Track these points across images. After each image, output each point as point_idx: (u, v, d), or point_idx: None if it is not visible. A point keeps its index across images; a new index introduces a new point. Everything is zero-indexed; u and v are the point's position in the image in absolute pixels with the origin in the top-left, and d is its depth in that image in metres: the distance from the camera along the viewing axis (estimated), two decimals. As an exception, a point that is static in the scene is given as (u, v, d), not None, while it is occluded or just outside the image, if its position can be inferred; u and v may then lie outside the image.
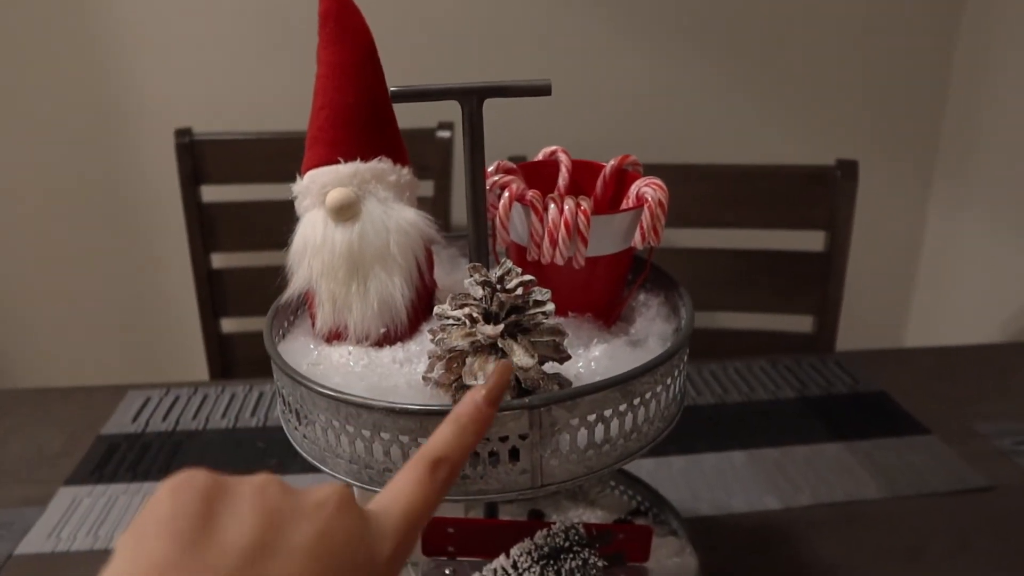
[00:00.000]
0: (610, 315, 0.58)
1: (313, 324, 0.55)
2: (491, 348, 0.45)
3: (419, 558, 0.64)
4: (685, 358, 0.52)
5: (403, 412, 0.43)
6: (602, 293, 0.58)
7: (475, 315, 0.45)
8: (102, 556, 0.80)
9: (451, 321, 0.46)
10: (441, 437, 0.35)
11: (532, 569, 0.55)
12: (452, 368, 0.45)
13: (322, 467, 0.48)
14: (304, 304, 0.58)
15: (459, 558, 0.63)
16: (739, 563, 0.77)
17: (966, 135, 1.58)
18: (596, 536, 0.57)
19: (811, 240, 1.26)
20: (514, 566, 0.56)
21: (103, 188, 1.63)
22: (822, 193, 1.22)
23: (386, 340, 0.53)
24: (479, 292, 0.45)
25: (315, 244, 0.53)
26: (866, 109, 1.62)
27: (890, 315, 1.75)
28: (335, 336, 0.54)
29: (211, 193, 1.45)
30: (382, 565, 0.30)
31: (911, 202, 1.69)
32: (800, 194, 1.23)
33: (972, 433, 0.99)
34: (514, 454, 0.44)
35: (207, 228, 1.46)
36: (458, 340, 0.44)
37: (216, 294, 1.49)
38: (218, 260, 1.49)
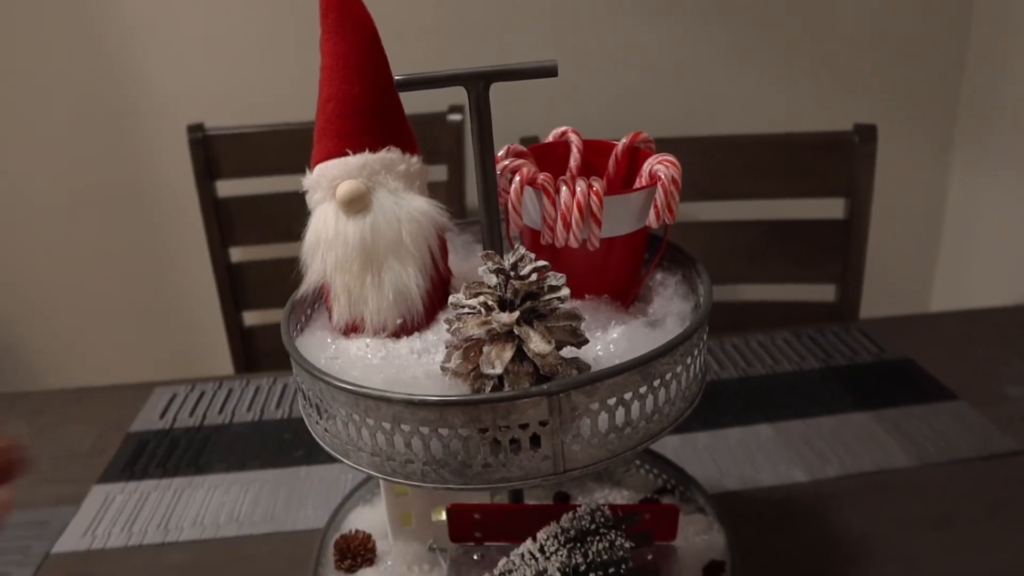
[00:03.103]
0: (627, 296, 0.58)
1: (330, 317, 0.55)
2: (508, 335, 0.44)
3: (447, 544, 0.64)
4: (704, 336, 0.52)
5: (422, 404, 0.43)
6: (618, 274, 0.57)
7: (490, 303, 0.45)
8: (137, 552, 0.81)
9: (466, 310, 0.45)
10: None
11: (559, 552, 0.55)
12: (470, 357, 0.45)
13: (344, 460, 0.48)
14: (320, 297, 0.58)
15: (487, 543, 0.63)
16: (767, 537, 0.77)
17: (986, 95, 1.55)
18: (622, 517, 0.57)
19: (831, 208, 1.24)
20: (541, 550, 0.56)
21: (120, 187, 1.64)
22: (840, 159, 1.20)
23: (403, 331, 0.53)
24: (493, 280, 0.45)
25: (328, 238, 0.53)
26: (883, 72, 1.59)
27: (914, 281, 1.73)
28: (352, 329, 0.54)
29: (226, 188, 1.45)
30: None
31: (932, 165, 1.66)
32: (818, 161, 1.22)
33: (1001, 396, 0.98)
34: (535, 441, 0.44)
35: (224, 223, 1.46)
36: (474, 329, 0.44)
37: (236, 288, 1.50)
38: (237, 254, 1.49)
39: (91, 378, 1.52)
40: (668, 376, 0.47)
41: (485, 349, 0.44)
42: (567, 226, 0.53)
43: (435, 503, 0.67)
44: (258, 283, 1.50)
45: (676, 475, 0.72)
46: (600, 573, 0.53)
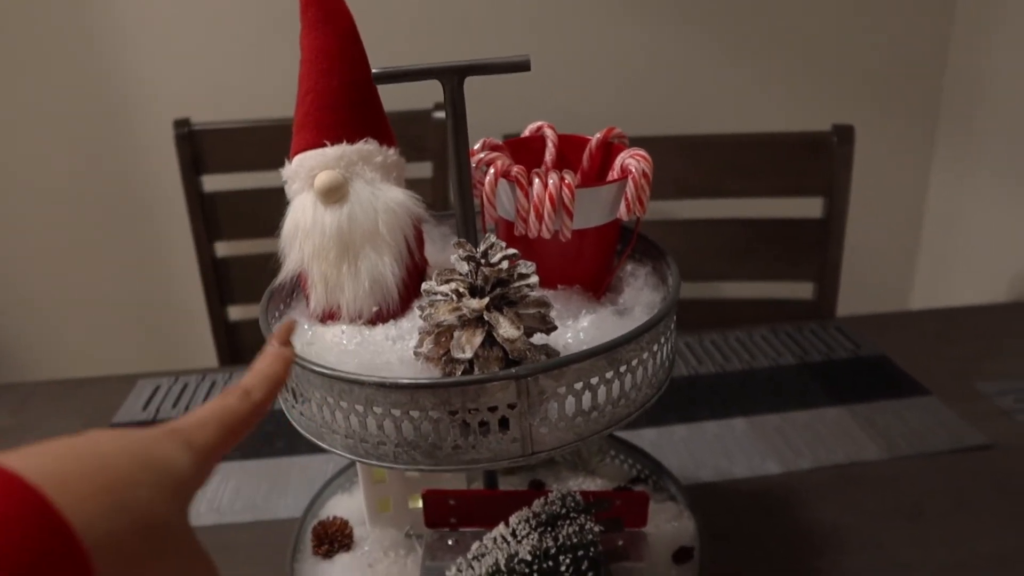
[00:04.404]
0: (599, 287, 0.59)
1: (308, 305, 0.56)
2: (478, 321, 0.46)
3: (424, 531, 0.66)
4: (672, 325, 0.53)
5: (394, 387, 0.45)
6: (590, 265, 0.59)
7: (461, 290, 0.46)
8: (118, 540, 0.82)
9: (438, 297, 0.47)
10: (250, 374, 0.40)
11: (530, 536, 0.57)
12: (441, 343, 0.46)
13: (320, 443, 0.49)
14: (298, 286, 0.59)
15: (461, 529, 0.65)
16: (740, 527, 0.78)
17: (967, 96, 1.57)
18: (593, 503, 0.58)
19: (809, 207, 1.26)
20: (513, 534, 0.57)
21: (106, 181, 1.65)
22: (819, 159, 1.22)
23: (379, 318, 0.54)
24: (464, 268, 0.46)
25: (305, 227, 0.54)
26: (863, 74, 1.61)
27: (893, 280, 1.75)
28: (329, 316, 0.55)
29: (212, 182, 1.46)
30: (183, 470, 0.32)
31: (913, 165, 1.68)
32: (797, 161, 1.23)
33: (973, 393, 0.99)
34: (504, 423, 0.46)
35: (210, 217, 1.47)
36: (445, 315, 0.45)
37: (222, 282, 1.51)
38: (222, 249, 1.50)
39: (76, 371, 1.53)
40: (635, 362, 0.48)
41: (456, 334, 0.45)
42: (540, 217, 0.54)
43: (412, 490, 0.69)
44: (243, 278, 1.51)
45: (650, 465, 0.73)
46: (570, 556, 0.55)
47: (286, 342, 0.42)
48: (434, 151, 1.46)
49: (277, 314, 0.58)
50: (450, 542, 0.64)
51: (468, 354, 0.44)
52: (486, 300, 0.45)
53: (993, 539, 0.76)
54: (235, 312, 1.54)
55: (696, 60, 1.58)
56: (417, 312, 0.52)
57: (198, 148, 1.44)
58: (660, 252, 0.59)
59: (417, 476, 0.68)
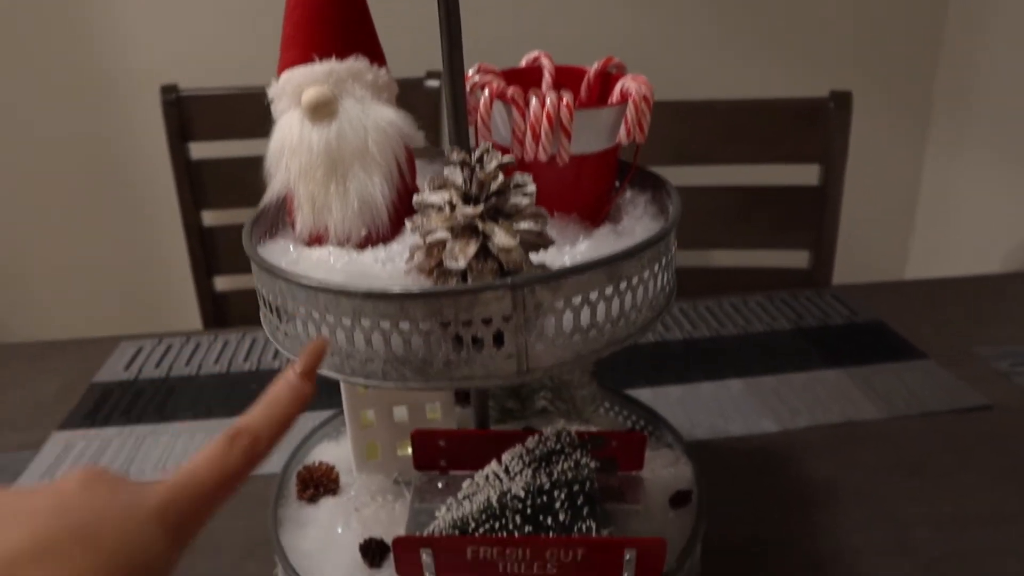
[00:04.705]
0: (597, 216, 0.57)
1: (293, 228, 0.54)
2: (472, 231, 0.44)
3: (411, 477, 0.63)
4: (673, 249, 0.51)
5: (382, 296, 0.42)
6: (588, 194, 0.57)
7: (454, 200, 0.44)
8: (96, 494, 0.79)
9: (430, 206, 0.45)
10: (249, 411, 0.34)
11: (524, 473, 0.55)
12: (433, 254, 0.44)
13: (305, 364, 0.47)
14: (284, 212, 0.56)
15: (452, 472, 0.62)
16: (736, 482, 0.77)
17: (964, 64, 1.56)
18: (589, 439, 0.56)
19: (806, 174, 1.25)
20: (506, 471, 0.55)
21: (93, 145, 1.62)
22: (816, 126, 1.21)
23: (368, 242, 0.52)
24: (458, 177, 0.44)
25: (292, 145, 0.52)
26: (861, 39, 1.59)
27: (888, 249, 1.73)
28: (316, 240, 0.53)
29: (200, 150, 1.43)
30: (156, 533, 0.29)
31: (909, 133, 1.67)
32: (794, 127, 1.22)
33: (970, 356, 0.98)
34: (498, 339, 0.43)
35: (197, 186, 1.45)
36: (437, 223, 0.43)
37: (208, 252, 1.48)
38: (209, 218, 1.47)
39: (57, 335, 1.49)
40: (635, 280, 0.46)
41: (448, 244, 0.43)
42: (536, 138, 0.52)
43: (400, 436, 0.66)
44: (231, 247, 1.48)
45: (645, 415, 0.72)
46: (565, 491, 0.53)
47: (310, 373, 0.36)
48: (426, 121, 1.43)
49: (261, 240, 0.55)
50: (440, 484, 0.61)
51: (461, 264, 0.42)
52: (481, 207, 0.43)
53: (993, 496, 0.75)
54: (222, 283, 1.52)
55: (692, 24, 1.56)
56: (408, 235, 0.50)
57: (186, 115, 1.41)
58: (660, 181, 0.57)
59: (406, 421, 0.66)
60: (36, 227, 1.68)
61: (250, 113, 1.40)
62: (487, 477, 0.56)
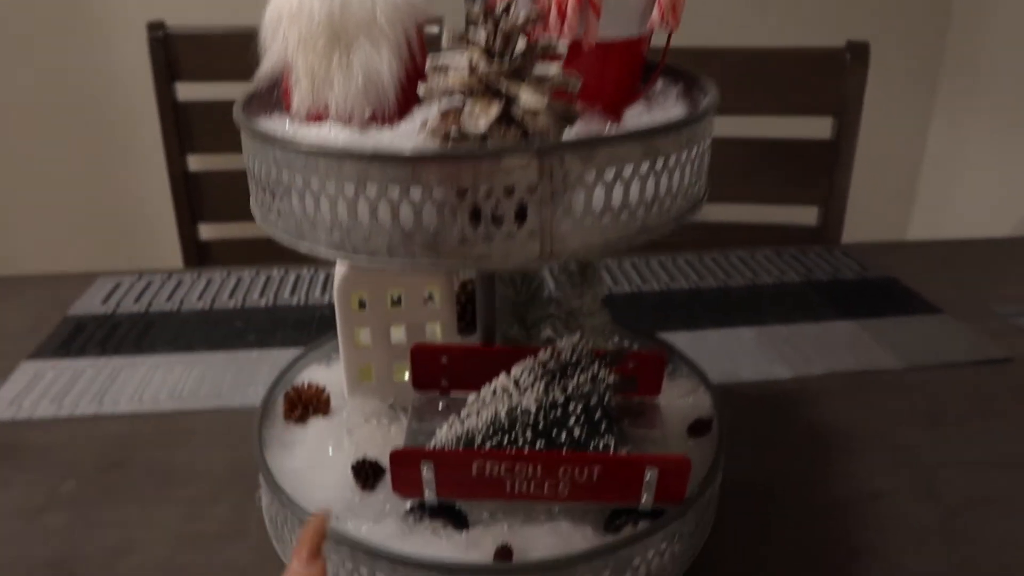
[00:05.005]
0: (621, 115, 0.52)
1: (288, 108, 0.49)
2: (494, 93, 0.39)
3: (409, 399, 0.59)
4: (710, 138, 0.46)
5: (392, 159, 0.37)
6: (614, 87, 0.52)
7: (475, 59, 0.39)
8: (66, 423, 0.74)
9: (446, 68, 0.40)
10: None
11: (535, 387, 0.50)
12: (449, 119, 0.39)
13: (300, 245, 0.42)
14: (280, 93, 0.51)
15: (453, 393, 0.58)
16: (751, 424, 0.72)
17: (976, 18, 1.52)
18: (608, 352, 0.51)
19: (818, 127, 1.20)
20: (516, 385, 0.51)
21: (73, 84, 1.55)
22: (831, 77, 1.16)
23: (371, 124, 0.47)
24: (481, 35, 0.39)
25: (291, 11, 0.46)
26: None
27: (891, 210, 1.69)
28: (315, 118, 0.48)
29: (187, 91, 1.37)
30: None
31: (918, 89, 1.62)
32: (808, 78, 1.17)
33: (987, 313, 0.94)
34: (521, 214, 0.39)
35: (183, 128, 1.38)
36: (456, 81, 0.38)
37: (193, 198, 1.42)
38: (195, 162, 1.41)
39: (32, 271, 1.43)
40: (672, 160, 0.41)
41: (468, 105, 0.38)
42: (562, 15, 0.47)
43: (397, 357, 0.62)
44: (216, 194, 1.42)
45: (659, 348, 0.67)
46: (580, 405, 0.48)
47: (316, 552, 0.33)
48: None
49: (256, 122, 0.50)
50: (441, 405, 0.57)
51: (482, 126, 0.37)
52: (505, 63, 0.38)
53: (1016, 443, 0.71)
54: (206, 231, 1.46)
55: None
56: (417, 116, 0.45)
57: (173, 54, 1.35)
58: (692, 76, 0.52)
59: (403, 343, 0.61)
60: (14, 163, 1.61)
61: (241, 54, 1.35)
62: (495, 392, 0.51)
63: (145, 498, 0.65)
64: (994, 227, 1.46)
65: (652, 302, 0.97)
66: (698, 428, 0.57)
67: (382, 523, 0.50)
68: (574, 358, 0.50)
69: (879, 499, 0.64)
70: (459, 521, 0.50)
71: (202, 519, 0.62)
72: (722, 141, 1.23)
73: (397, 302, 0.60)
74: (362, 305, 0.60)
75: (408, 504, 0.50)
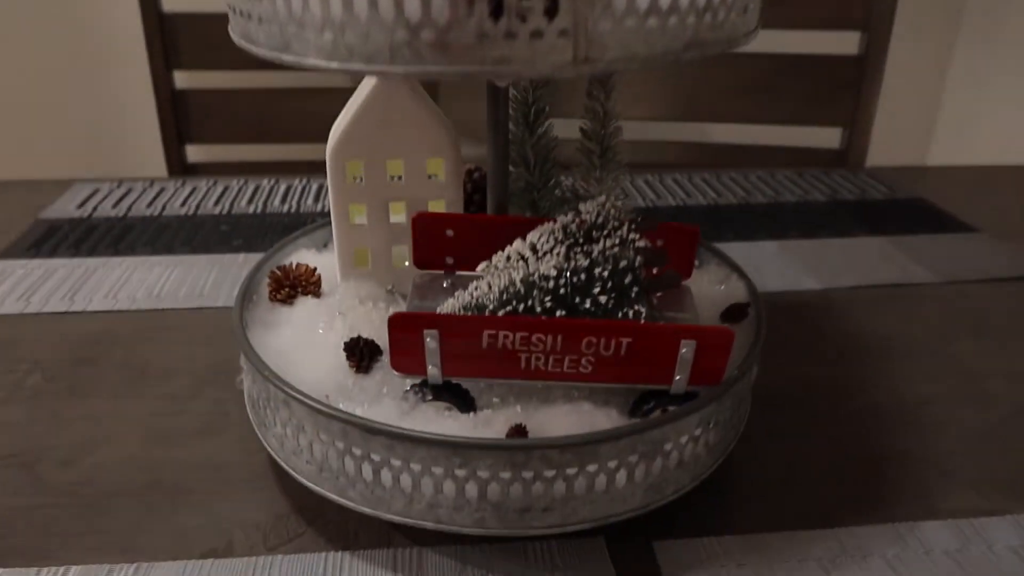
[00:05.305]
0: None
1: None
2: None
3: (406, 286, 0.52)
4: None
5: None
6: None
7: None
8: (34, 320, 0.68)
9: None
10: None
11: (555, 251, 0.44)
12: None
13: (285, 55, 0.35)
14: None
15: (459, 273, 0.51)
16: (779, 334, 0.66)
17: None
18: (638, 216, 0.45)
19: (845, 42, 1.13)
20: (533, 249, 0.44)
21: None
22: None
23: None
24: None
25: None
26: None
27: (916, 135, 1.62)
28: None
29: (173, 1, 1.29)
30: None
31: (947, 8, 1.54)
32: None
33: (1026, 232, 0.88)
34: (551, 9, 0.32)
35: (170, 42, 1.30)
36: None
37: (180, 118, 1.35)
38: (183, 79, 1.33)
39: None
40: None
41: None
42: None
43: (396, 239, 0.55)
44: (205, 114, 1.35)
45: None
46: (608, 269, 0.42)
47: None
48: None
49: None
50: (445, 284, 0.51)
51: None
52: None
53: (1070, 356, 0.65)
54: (194, 153, 1.38)
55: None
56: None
57: (157, -41, 1.26)
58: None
59: (403, 223, 0.54)
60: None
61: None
62: (508, 258, 0.45)
63: (117, 393, 0.59)
64: (1019, 154, 1.39)
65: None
66: (734, 313, 0.51)
67: (378, 406, 0.44)
68: (600, 219, 0.44)
69: (926, 405, 0.58)
70: (466, 403, 0.44)
71: (179, 414, 0.56)
72: (744, 55, 1.16)
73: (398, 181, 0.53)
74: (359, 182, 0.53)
75: (408, 384, 0.44)
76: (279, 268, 0.54)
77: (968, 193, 0.99)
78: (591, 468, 0.40)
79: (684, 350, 0.41)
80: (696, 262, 0.59)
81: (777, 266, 0.79)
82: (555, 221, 0.45)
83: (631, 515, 0.42)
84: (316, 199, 0.93)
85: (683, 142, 1.22)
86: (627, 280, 0.42)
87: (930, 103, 1.60)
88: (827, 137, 1.17)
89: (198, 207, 0.91)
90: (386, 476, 0.41)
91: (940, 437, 0.55)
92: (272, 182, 0.98)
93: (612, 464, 0.40)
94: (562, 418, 0.42)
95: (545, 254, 0.44)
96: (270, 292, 0.53)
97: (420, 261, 0.51)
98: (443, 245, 0.50)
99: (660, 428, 0.41)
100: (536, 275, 0.42)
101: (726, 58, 1.16)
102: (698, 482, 0.45)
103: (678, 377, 0.42)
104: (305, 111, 1.36)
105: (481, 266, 0.45)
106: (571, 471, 0.40)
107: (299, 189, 0.96)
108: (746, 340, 0.49)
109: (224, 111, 1.33)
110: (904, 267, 0.80)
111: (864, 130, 1.12)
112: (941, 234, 0.87)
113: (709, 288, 0.54)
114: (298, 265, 0.55)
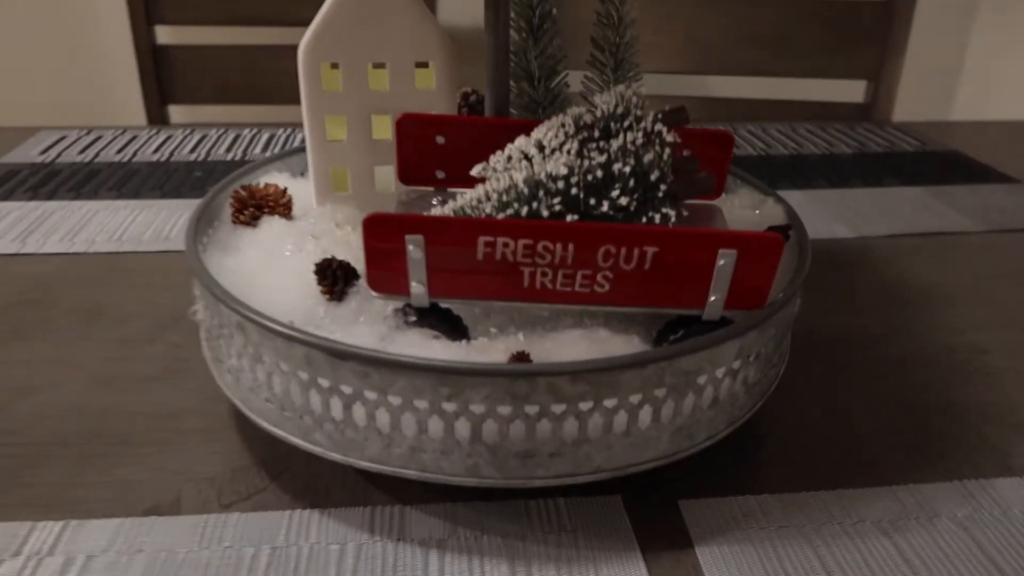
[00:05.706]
0: None
1: None
2: None
3: (383, 199, 0.45)
4: None
5: None
6: None
7: None
8: (-22, 261, 0.61)
9: None
10: None
11: (566, 146, 0.36)
12: None
13: None
14: None
15: (453, 190, 0.44)
16: (814, 281, 0.59)
17: None
18: (665, 109, 0.38)
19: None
20: (539, 147, 0.37)
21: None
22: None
23: None
24: None
25: None
26: None
27: (940, 90, 1.54)
28: None
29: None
30: None
31: None
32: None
33: (1072, 183, 0.81)
34: None
35: (150, -6, 1.23)
36: None
37: (162, 76, 1.27)
38: (164, 34, 1.26)
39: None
40: None
41: None
42: None
43: (380, 159, 0.48)
44: (188, 72, 1.27)
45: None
46: (630, 165, 0.35)
47: None
48: None
49: None
50: (435, 201, 0.43)
51: None
52: None
53: None
54: (177, 113, 1.31)
55: None
56: None
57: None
58: None
59: (389, 139, 0.47)
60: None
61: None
62: (509, 158, 0.38)
63: (64, 338, 0.52)
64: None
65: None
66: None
67: (352, 334, 0.36)
68: (620, 110, 0.37)
69: (981, 355, 0.51)
70: (457, 331, 0.37)
71: (131, 360, 0.49)
72: (763, 2, 1.09)
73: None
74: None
75: (390, 308, 0.37)
76: (243, 187, 0.47)
77: (1004, 145, 0.92)
78: (609, 403, 0.33)
79: (722, 262, 0.34)
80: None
81: (805, 214, 0.71)
82: (565, 114, 0.38)
83: (655, 464, 0.35)
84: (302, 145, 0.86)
85: (698, 97, 1.14)
86: (653, 177, 0.34)
87: (955, 56, 1.53)
88: (851, 91, 1.09)
89: (172, 155, 0.83)
90: (359, 413, 0.34)
91: (1000, 389, 0.48)
92: (254, 132, 0.90)
93: (635, 399, 0.33)
94: (573, 345, 0.35)
95: (554, 151, 0.36)
96: (233, 213, 0.46)
97: (406, 175, 0.44)
98: (433, 155, 0.43)
99: (694, 355, 0.33)
100: (543, 174, 0.35)
101: (743, 6, 1.08)
102: (735, 427, 0.38)
103: (713, 298, 0.35)
104: (293, 71, 1.29)
105: (477, 168, 0.38)
106: (584, 406, 0.33)
107: (283, 138, 0.88)
108: (791, 260, 0.42)
109: (208, 70, 1.26)
110: (943, 215, 0.72)
111: (890, 81, 1.05)
112: (980, 184, 0.80)
113: (741, 212, 0.47)
114: (267, 185, 0.47)
